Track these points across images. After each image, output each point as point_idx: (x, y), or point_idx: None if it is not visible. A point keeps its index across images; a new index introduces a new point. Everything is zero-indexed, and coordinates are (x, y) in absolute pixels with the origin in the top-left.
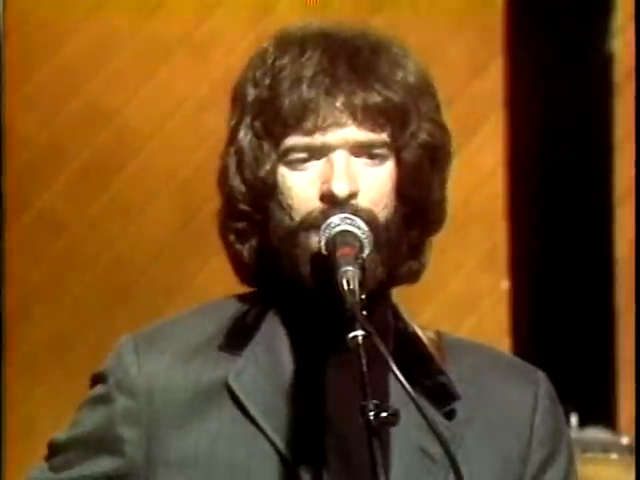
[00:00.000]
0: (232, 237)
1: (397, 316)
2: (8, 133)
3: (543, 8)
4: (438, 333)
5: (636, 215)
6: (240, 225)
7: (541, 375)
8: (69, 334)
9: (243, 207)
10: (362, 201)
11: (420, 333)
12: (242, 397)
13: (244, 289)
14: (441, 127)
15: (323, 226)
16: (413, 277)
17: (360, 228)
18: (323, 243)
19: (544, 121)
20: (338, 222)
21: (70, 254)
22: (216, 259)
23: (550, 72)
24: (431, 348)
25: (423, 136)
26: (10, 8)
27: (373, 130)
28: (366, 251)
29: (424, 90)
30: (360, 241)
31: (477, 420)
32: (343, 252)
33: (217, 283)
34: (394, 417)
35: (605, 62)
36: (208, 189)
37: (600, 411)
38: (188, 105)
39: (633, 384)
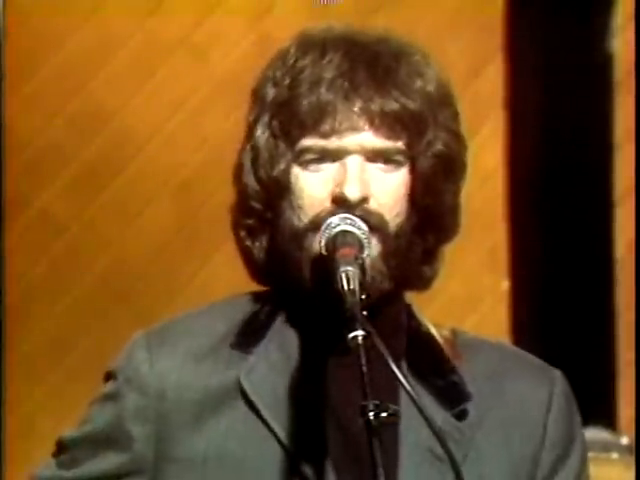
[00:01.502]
0: (243, 233)
1: (411, 315)
2: (8, 133)
3: (543, 8)
4: (453, 331)
5: (636, 215)
6: (251, 222)
7: (557, 374)
8: (69, 334)
9: (255, 204)
10: (373, 205)
11: (434, 332)
12: (253, 397)
13: (245, 290)
14: (457, 137)
15: (323, 226)
16: (425, 284)
17: (360, 228)
18: (323, 243)
19: (544, 121)
20: (338, 222)
21: (70, 254)
22: (216, 260)
23: (550, 72)
24: (445, 347)
25: (439, 146)
26: (10, 8)
27: (389, 137)
28: (366, 251)
29: (443, 99)
30: (360, 241)
31: (490, 419)
32: (343, 252)
33: (217, 284)
34: (394, 417)
35: (605, 62)
36: (208, 190)
37: (600, 411)
38: (188, 106)
39: (633, 384)
